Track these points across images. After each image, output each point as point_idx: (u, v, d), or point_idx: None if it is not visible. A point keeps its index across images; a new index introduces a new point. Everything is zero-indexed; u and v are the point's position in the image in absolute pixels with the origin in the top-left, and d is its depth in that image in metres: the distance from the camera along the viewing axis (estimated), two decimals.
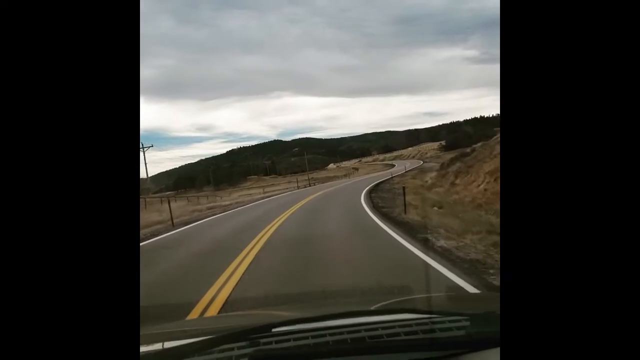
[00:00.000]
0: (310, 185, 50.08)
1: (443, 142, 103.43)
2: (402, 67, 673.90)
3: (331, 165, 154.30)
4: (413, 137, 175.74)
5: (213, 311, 3.93)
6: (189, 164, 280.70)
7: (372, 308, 1.84)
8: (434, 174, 34.61)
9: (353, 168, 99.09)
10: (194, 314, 3.85)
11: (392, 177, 38.69)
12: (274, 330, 1.28)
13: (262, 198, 29.19)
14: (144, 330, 1.12)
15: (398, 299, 2.46)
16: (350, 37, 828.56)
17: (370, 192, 20.91)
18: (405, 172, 51.17)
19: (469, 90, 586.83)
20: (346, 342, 1.23)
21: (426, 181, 31.52)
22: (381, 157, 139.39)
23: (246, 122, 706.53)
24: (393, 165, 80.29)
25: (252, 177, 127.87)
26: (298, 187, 46.25)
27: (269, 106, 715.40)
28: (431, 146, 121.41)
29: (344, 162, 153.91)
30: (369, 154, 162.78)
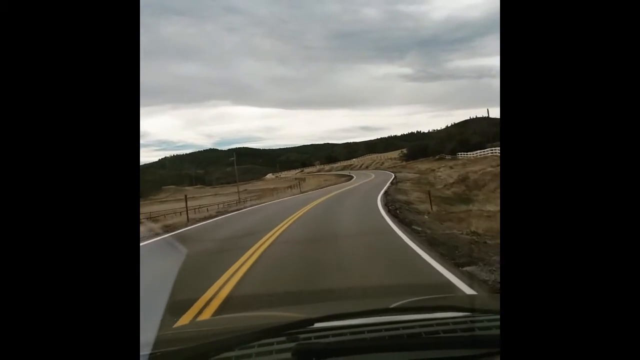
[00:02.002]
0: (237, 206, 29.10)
1: (404, 151, 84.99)
2: (340, 81, 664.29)
3: (269, 176, 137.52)
4: (352, 149, 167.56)
5: None
6: None
7: (405, 305, 1.83)
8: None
9: (296, 179, 77.95)
10: None
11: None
12: (313, 326, 1.29)
13: None
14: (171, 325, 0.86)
15: (429, 297, 2.78)
16: (290, 48, 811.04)
17: None
18: (391, 184, 31.39)
19: (404, 107, 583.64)
20: (384, 339, 1.24)
21: None
22: (327, 167, 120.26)
23: (181, 130, 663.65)
24: (350, 177, 59.42)
25: (170, 187, 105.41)
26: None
27: (205, 115, 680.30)
28: (389, 155, 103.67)
29: (283, 173, 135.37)
30: (311, 165, 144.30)
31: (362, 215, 13.42)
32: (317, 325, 1.30)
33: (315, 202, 19.42)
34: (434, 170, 49.54)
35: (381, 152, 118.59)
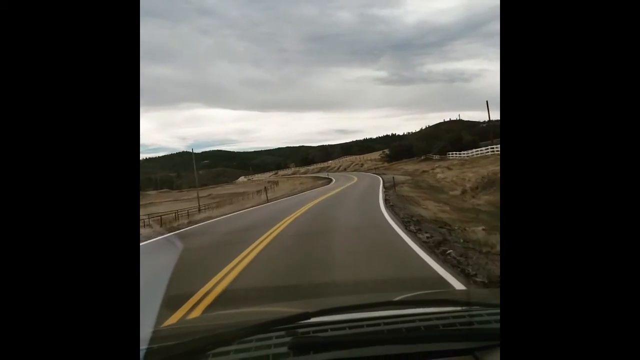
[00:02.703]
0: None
1: (386, 151, 78.31)
2: (315, 84, 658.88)
3: (241, 179, 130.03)
4: (328, 152, 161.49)
5: None
6: None
7: (403, 299, 1.81)
8: None
9: (270, 182, 70.08)
10: None
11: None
12: (311, 320, 1.28)
13: None
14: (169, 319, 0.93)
15: (428, 291, 2.89)
16: (263, 51, 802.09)
17: None
18: (386, 189, 24.09)
19: (378, 110, 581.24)
20: (383, 333, 1.23)
21: None
22: (302, 169, 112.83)
23: (153, 133, 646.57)
24: (328, 180, 51.86)
25: None
26: None
27: (178, 117, 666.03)
28: (369, 156, 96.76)
29: (256, 175, 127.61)
30: (286, 167, 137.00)
31: (392, 260, 6.15)
32: (316, 319, 1.29)
33: (284, 222, 11.76)
34: (426, 171, 42.51)
35: (357, 155, 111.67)
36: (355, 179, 45.46)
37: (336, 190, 28.36)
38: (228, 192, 54.76)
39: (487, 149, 43.45)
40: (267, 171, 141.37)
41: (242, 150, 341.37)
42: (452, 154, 53.22)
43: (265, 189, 37.43)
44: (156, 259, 7.92)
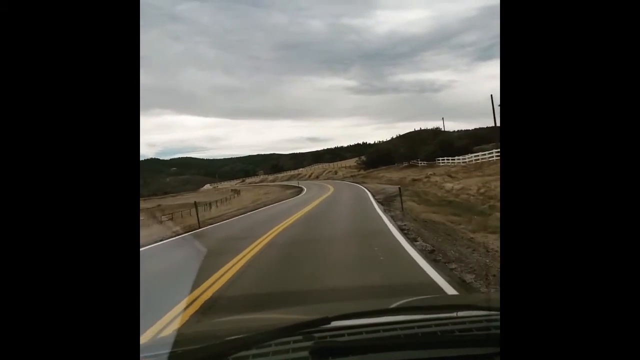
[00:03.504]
0: None
1: (363, 157, 72.66)
2: (286, 92, 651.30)
3: (207, 186, 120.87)
4: (299, 160, 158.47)
5: None
6: None
7: (415, 304, 1.83)
8: None
9: (233, 190, 60.70)
10: None
11: None
12: (328, 325, 1.28)
13: None
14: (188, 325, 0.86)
15: (441, 296, 3.23)
16: (235, 58, 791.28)
17: None
18: (382, 204, 15.30)
19: (349, 119, 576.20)
20: (400, 338, 1.23)
21: None
22: (271, 177, 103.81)
23: None
24: (299, 189, 42.91)
25: None
26: None
27: (147, 123, 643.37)
28: (344, 163, 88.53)
29: (223, 183, 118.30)
30: (254, 175, 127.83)
31: None
32: (332, 324, 1.29)
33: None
34: (417, 180, 34.13)
35: (327, 162, 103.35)
36: (331, 189, 36.64)
37: (311, 206, 19.56)
38: (178, 203, 45.36)
39: (486, 153, 35.53)
40: (236, 178, 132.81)
41: (212, 158, 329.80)
42: (443, 159, 45.11)
43: (223, 200, 28.11)
44: None
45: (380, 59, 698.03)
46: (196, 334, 1.64)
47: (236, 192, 56.13)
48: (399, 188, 17.47)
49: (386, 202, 17.75)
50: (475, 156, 37.77)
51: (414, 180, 34.74)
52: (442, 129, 56.42)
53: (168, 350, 1.14)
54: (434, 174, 34.37)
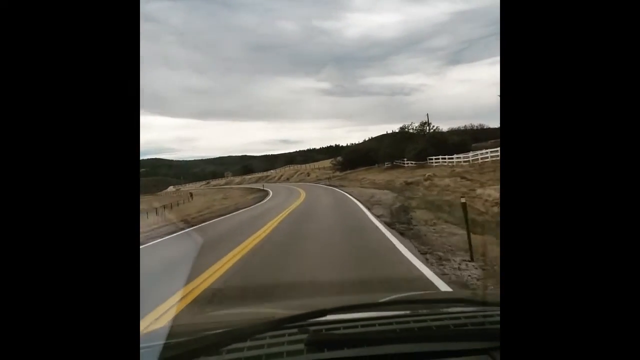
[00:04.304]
0: None
1: (339, 158, 64.95)
2: (259, 94, 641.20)
3: (170, 188, 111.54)
4: (271, 161, 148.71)
5: None
6: None
7: (412, 298, 1.81)
8: None
9: (190, 193, 51.71)
10: None
11: None
12: (322, 318, 1.25)
13: None
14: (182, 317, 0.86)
15: (437, 291, 3.06)
16: (206, 59, 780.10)
17: None
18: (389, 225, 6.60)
19: (321, 121, 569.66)
20: (395, 332, 1.21)
21: None
22: (238, 179, 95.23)
23: None
24: (264, 193, 34.41)
25: None
26: None
27: None
28: (317, 165, 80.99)
29: (188, 185, 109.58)
30: (222, 176, 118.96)
31: None
32: (328, 317, 1.26)
33: None
34: (411, 183, 26.02)
35: (300, 164, 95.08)
36: (302, 194, 28.15)
37: (275, 221, 11.01)
38: None
39: (490, 152, 27.79)
40: (203, 180, 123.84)
41: (182, 159, 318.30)
42: (437, 158, 37.15)
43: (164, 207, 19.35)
44: None
45: (352, 61, 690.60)
46: (190, 327, 1.60)
47: (190, 195, 46.78)
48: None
49: (400, 223, 9.36)
50: (482, 154, 29.89)
51: (407, 183, 26.59)
52: (430, 124, 48.44)
53: (162, 342, 1.12)
54: (435, 175, 26.32)
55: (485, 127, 54.99)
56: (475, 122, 53.78)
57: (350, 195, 22.09)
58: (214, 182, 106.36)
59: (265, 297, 4.69)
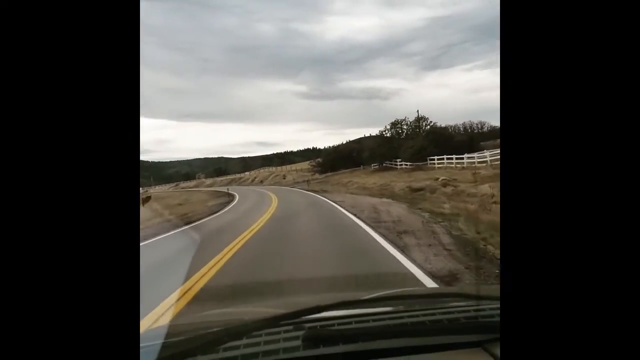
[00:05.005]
0: None
1: (319, 160, 59.06)
2: (236, 95, 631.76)
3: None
4: (248, 164, 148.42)
5: None
6: None
7: (406, 293, 1.81)
8: None
9: (146, 197, 43.68)
10: None
11: None
12: (316, 315, 1.25)
13: None
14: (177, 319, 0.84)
15: (432, 287, 3.01)
16: (184, 60, 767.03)
17: None
18: None
19: (299, 124, 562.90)
20: (389, 327, 1.22)
21: None
22: (209, 181, 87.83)
23: None
24: (230, 197, 27.61)
25: None
26: None
27: None
28: (295, 167, 74.98)
29: (157, 187, 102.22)
30: (194, 178, 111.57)
31: None
32: (322, 314, 1.27)
33: None
34: (421, 190, 19.34)
35: (276, 166, 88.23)
36: (274, 200, 21.15)
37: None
38: None
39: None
40: (173, 182, 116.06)
41: (158, 160, 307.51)
42: (441, 158, 30.57)
43: None
44: None
45: (330, 64, 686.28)
46: (187, 326, 1.60)
47: (145, 200, 38.97)
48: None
49: None
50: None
51: (413, 190, 19.80)
52: (427, 119, 41.94)
53: (160, 342, 1.11)
54: (454, 180, 19.65)
55: (485, 126, 48.66)
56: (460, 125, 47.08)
57: (341, 207, 15.02)
58: (183, 184, 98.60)
59: None
